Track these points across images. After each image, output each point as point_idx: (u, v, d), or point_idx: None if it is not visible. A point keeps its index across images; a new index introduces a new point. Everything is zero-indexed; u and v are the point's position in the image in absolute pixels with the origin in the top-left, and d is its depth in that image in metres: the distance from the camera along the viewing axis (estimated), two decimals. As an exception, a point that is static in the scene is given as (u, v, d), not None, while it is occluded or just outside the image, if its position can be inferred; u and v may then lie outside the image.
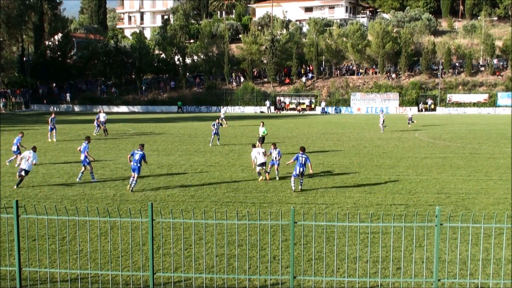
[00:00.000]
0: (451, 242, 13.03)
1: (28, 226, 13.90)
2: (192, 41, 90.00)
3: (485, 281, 10.79)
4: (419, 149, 31.99)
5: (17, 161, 21.19)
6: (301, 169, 19.39)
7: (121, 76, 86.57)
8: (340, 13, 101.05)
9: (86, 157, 21.50)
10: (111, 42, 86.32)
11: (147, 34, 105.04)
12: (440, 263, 11.40)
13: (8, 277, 10.62)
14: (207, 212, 16.04)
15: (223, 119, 47.86)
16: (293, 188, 19.55)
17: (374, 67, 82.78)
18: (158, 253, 12.14)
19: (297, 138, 39.14)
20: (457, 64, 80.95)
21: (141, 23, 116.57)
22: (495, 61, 79.05)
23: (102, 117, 40.47)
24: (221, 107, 58.32)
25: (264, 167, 21.75)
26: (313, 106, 78.58)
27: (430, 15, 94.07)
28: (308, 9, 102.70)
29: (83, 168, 21.69)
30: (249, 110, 78.66)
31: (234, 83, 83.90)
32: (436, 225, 9.65)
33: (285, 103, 79.82)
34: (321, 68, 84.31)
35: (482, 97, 74.77)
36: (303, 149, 19.87)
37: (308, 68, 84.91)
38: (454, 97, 75.57)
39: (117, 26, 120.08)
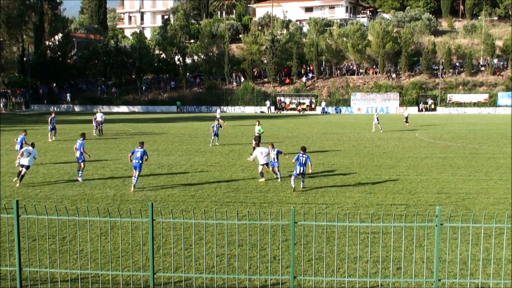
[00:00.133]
0: (451, 242, 13.03)
1: (29, 226, 13.90)
2: (192, 41, 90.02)
3: (485, 281, 10.78)
4: (419, 149, 31.99)
5: (17, 158, 21.28)
6: (302, 169, 19.45)
7: (121, 76, 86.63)
8: (340, 13, 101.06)
9: (82, 154, 21.59)
10: (111, 42, 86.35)
11: (147, 34, 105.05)
12: (441, 263, 11.40)
13: (8, 277, 10.63)
14: (207, 212, 16.03)
15: (219, 119, 47.73)
16: (293, 187, 19.60)
17: (374, 67, 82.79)
18: (158, 253, 12.14)
19: (297, 138, 39.14)
20: (457, 64, 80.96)
21: (141, 23, 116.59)
22: (495, 61, 79.04)
23: (100, 117, 40.46)
24: (217, 107, 57.96)
25: (266, 167, 21.86)
26: (313, 106, 78.60)
27: (430, 15, 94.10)
28: (308, 9, 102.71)
29: (81, 165, 21.75)
30: (250, 110, 78.68)
31: (235, 83, 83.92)
32: (436, 225, 9.65)
33: (285, 103, 79.86)
34: (321, 68, 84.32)
35: (482, 97, 74.79)
36: (304, 149, 19.93)
37: (308, 68, 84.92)
38: (455, 97, 75.58)
39: (117, 26, 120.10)
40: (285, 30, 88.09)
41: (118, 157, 28.32)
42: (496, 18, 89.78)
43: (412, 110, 74.59)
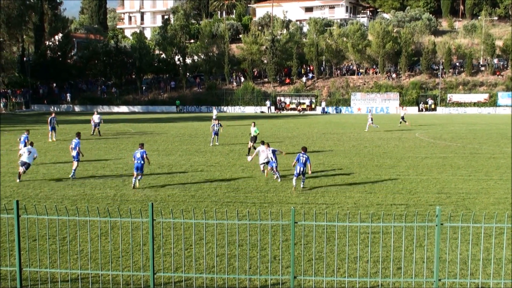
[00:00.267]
0: (451, 242, 13.03)
1: (29, 226, 13.90)
2: (192, 41, 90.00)
3: (485, 281, 10.78)
4: (419, 149, 31.99)
5: (19, 157, 21.45)
6: (302, 169, 19.53)
7: (122, 76, 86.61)
8: (340, 13, 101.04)
9: (78, 153, 21.73)
10: (112, 42, 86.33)
11: (148, 34, 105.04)
12: (441, 263, 11.40)
13: (8, 277, 10.63)
14: (207, 212, 16.04)
15: (214, 119, 47.53)
16: (294, 185, 19.75)
17: (374, 67, 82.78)
18: (158, 253, 12.14)
19: (297, 138, 39.14)
20: (457, 64, 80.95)
21: (141, 23, 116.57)
22: (495, 60, 79.03)
23: (97, 118, 40.44)
24: (213, 107, 57.29)
25: (266, 165, 21.95)
26: (313, 106, 78.60)
27: (431, 15, 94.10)
28: (308, 9, 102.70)
29: (75, 164, 21.84)
30: (250, 110, 78.68)
31: (235, 83, 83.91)
32: (436, 225, 9.65)
33: (285, 103, 79.85)
34: (322, 68, 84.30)
35: (482, 97, 74.78)
36: (304, 149, 20.02)
37: (308, 68, 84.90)
38: (455, 97, 75.58)
39: (118, 26, 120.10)
40: (285, 30, 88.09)
41: (118, 157, 28.33)
42: (496, 18, 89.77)
43: (412, 110, 74.71)
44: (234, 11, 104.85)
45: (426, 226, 12.55)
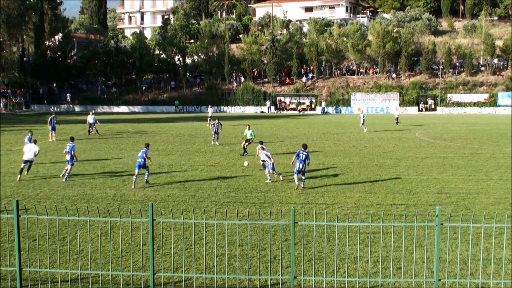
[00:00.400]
0: (451, 242, 13.03)
1: (29, 226, 13.90)
2: (192, 41, 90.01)
3: (485, 281, 10.78)
4: (419, 149, 31.99)
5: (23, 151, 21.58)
6: (301, 166, 19.53)
7: (122, 76, 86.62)
8: (340, 13, 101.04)
9: (72, 157, 21.68)
10: (112, 42, 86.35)
11: (148, 34, 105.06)
12: (441, 263, 11.40)
13: (8, 277, 10.63)
14: (207, 212, 16.04)
15: (210, 119, 47.34)
16: (296, 184, 19.79)
17: (374, 67, 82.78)
18: (158, 253, 12.13)
19: (297, 138, 39.13)
20: (457, 64, 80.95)
21: (141, 23, 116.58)
22: (495, 60, 79.03)
23: (91, 119, 40.40)
24: (209, 106, 56.05)
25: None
26: (313, 106, 78.60)
27: (430, 15, 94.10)
28: (308, 9, 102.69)
29: (68, 167, 21.76)
30: (250, 110, 78.69)
31: (235, 83, 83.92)
32: (436, 225, 9.65)
33: (285, 103, 79.86)
34: (322, 68, 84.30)
35: (482, 97, 74.78)
36: (305, 146, 20.15)
37: (308, 68, 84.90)
38: (455, 97, 75.58)
39: (118, 26, 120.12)
40: (285, 30, 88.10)
41: (118, 157, 28.33)
42: (496, 18, 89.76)
43: (412, 110, 74.74)
44: (234, 11, 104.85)
45: (426, 226, 12.54)
